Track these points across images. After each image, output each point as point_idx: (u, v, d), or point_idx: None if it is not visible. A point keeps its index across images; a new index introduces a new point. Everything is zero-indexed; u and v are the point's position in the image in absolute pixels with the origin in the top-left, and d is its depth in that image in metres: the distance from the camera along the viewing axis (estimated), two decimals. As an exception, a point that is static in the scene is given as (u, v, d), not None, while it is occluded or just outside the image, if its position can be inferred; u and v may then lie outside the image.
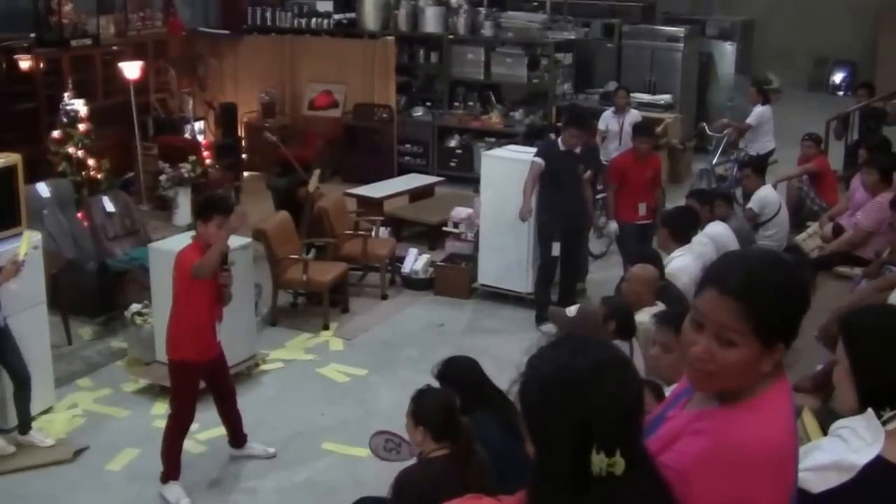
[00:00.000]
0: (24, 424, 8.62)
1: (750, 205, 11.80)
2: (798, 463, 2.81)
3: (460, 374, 6.33)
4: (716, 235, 9.68)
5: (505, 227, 11.52)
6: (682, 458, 2.73)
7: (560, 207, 11.05)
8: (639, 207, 11.80)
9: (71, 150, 13.52)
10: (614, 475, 2.41)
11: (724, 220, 10.32)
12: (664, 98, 17.70)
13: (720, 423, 2.75)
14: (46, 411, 8.94)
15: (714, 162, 15.68)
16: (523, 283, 11.76)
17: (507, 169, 11.55)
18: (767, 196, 11.78)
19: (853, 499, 3.22)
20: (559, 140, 11.17)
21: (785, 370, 2.86)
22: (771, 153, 15.27)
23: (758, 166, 12.54)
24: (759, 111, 15.37)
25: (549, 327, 10.94)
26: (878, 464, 3.25)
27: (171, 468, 7.92)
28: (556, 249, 11.19)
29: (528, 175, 10.96)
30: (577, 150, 11.10)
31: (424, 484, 5.26)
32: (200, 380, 8.15)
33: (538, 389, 2.53)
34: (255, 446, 8.53)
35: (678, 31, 18.39)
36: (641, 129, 12.44)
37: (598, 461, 2.40)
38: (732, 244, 9.62)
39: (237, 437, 8.51)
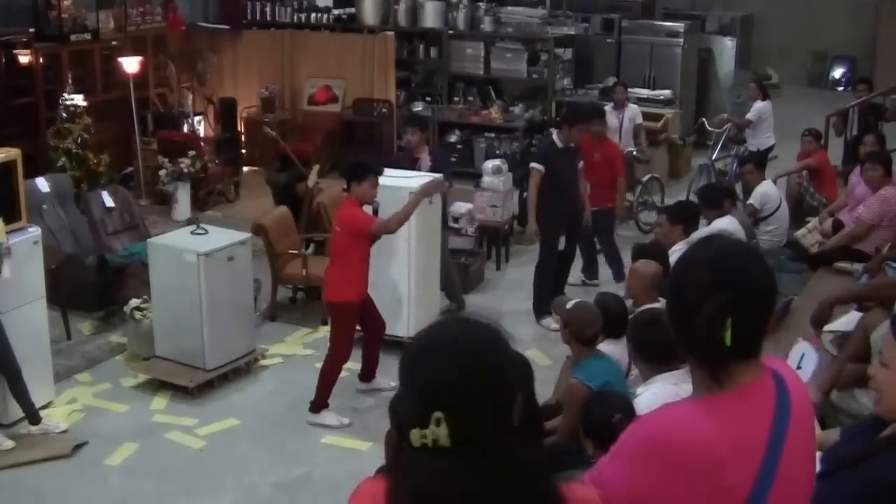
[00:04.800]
0: (32, 415, 8.66)
1: (750, 200, 11.78)
2: (765, 478, 2.72)
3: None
4: (721, 229, 9.68)
5: (382, 263, 9.90)
6: (618, 441, 2.85)
7: (563, 204, 11.07)
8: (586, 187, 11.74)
9: (70, 144, 13.50)
10: (443, 448, 2.39)
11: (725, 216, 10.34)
12: (664, 93, 17.67)
13: (656, 413, 2.85)
14: (46, 406, 8.93)
15: (714, 157, 15.66)
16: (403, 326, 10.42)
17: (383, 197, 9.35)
18: (768, 192, 11.76)
19: None
20: (556, 137, 11.17)
21: (769, 371, 2.85)
22: (771, 149, 15.26)
23: (759, 161, 12.52)
24: (760, 107, 15.35)
25: (548, 321, 10.96)
26: None
27: (324, 398, 8.97)
28: (560, 244, 11.25)
29: (531, 185, 10.99)
30: (572, 145, 11.13)
31: None
32: (357, 316, 9.06)
33: (408, 356, 2.55)
34: (381, 381, 9.52)
35: (678, 26, 18.38)
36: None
37: (417, 434, 2.39)
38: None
39: (371, 371, 9.56)
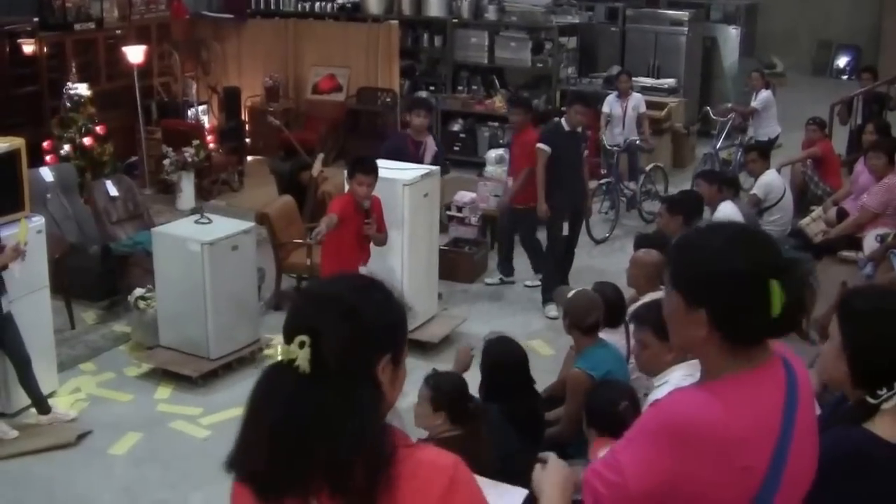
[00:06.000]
0: (40, 403, 8.68)
1: (754, 190, 11.78)
2: (779, 458, 2.76)
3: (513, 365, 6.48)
4: (725, 216, 9.68)
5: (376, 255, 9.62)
6: (634, 427, 2.87)
7: (568, 188, 11.12)
8: (509, 185, 11.66)
9: (74, 134, 13.50)
10: (295, 369, 2.46)
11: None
12: (668, 82, 17.66)
13: (673, 397, 2.85)
14: (49, 395, 8.93)
15: (718, 146, 15.67)
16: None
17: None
18: (772, 181, 11.76)
19: (850, 476, 3.22)
20: (563, 121, 11.23)
21: (779, 356, 2.86)
22: (776, 138, 15.25)
23: (763, 150, 12.51)
24: (764, 95, 15.35)
25: (549, 308, 10.98)
26: (872, 441, 3.28)
27: None
28: (565, 229, 11.28)
29: (538, 165, 11.01)
30: (579, 129, 11.19)
31: None
32: None
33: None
34: None
35: (682, 14, 18.33)
36: (513, 100, 12.09)
37: (282, 349, 2.51)
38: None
39: None
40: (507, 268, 12.16)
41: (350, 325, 2.51)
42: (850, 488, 3.21)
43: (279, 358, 2.51)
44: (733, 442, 2.70)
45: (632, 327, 6.55)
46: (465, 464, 2.60)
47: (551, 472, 2.98)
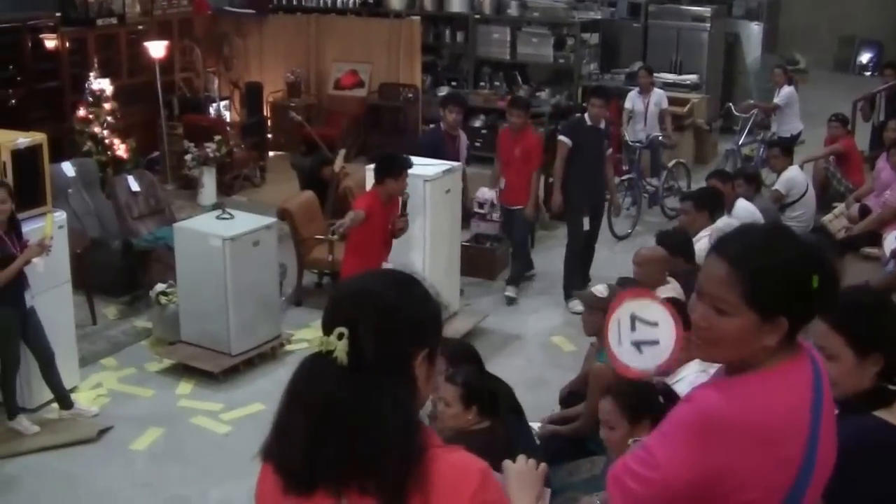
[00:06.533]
0: (63, 398, 8.72)
1: (777, 186, 11.74)
2: (812, 447, 2.75)
3: (471, 358, 6.40)
4: (743, 215, 9.63)
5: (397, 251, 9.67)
6: (667, 422, 2.82)
7: (588, 183, 11.11)
8: (506, 185, 11.54)
9: (96, 129, 13.52)
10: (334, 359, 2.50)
11: (747, 200, 10.30)
12: (690, 78, 17.61)
13: (709, 391, 2.80)
14: (71, 391, 8.93)
15: (740, 142, 15.61)
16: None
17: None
18: (794, 177, 11.71)
19: (868, 465, 3.23)
20: (585, 116, 11.22)
21: (806, 350, 2.85)
22: (798, 134, 15.19)
23: (786, 147, 12.46)
24: (787, 92, 15.30)
25: (573, 304, 10.97)
26: (887, 429, 3.31)
27: None
28: (585, 224, 11.23)
29: (557, 158, 11.00)
30: (602, 125, 11.17)
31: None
32: None
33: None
34: None
35: (704, 10, 18.25)
36: (514, 102, 11.91)
37: (319, 340, 2.54)
38: (761, 220, 9.59)
39: None
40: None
41: (389, 319, 2.54)
42: (869, 477, 3.23)
43: (317, 348, 2.53)
44: (772, 434, 2.69)
45: None
46: (492, 469, 2.61)
47: (522, 474, 2.97)
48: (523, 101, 12.13)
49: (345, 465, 2.46)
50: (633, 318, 4.86)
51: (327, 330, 2.53)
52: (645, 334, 4.83)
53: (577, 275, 11.25)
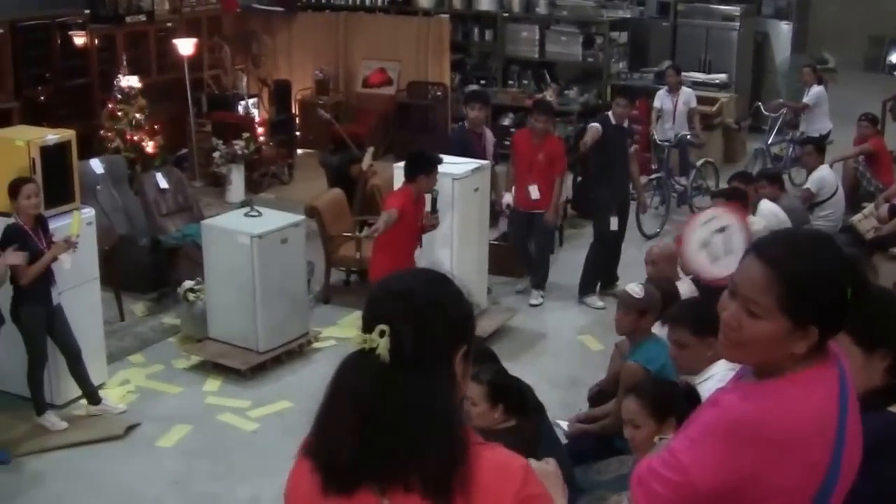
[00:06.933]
0: (91, 394, 8.76)
1: (808, 185, 11.69)
2: (839, 451, 2.72)
3: (489, 357, 6.40)
4: (766, 215, 9.62)
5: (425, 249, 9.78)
6: (693, 426, 2.80)
7: (615, 183, 11.11)
8: (529, 191, 11.12)
9: (125, 126, 13.55)
10: (378, 357, 2.50)
11: (772, 201, 10.26)
12: (719, 77, 17.54)
13: (737, 396, 2.77)
14: (99, 387, 8.95)
15: (769, 142, 15.56)
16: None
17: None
18: (825, 176, 11.66)
19: (889, 461, 3.22)
20: (610, 115, 11.21)
21: (833, 355, 2.80)
22: (828, 134, 15.11)
23: (820, 145, 12.40)
24: (816, 91, 15.23)
25: (593, 300, 10.96)
26: None
27: None
28: (613, 224, 11.18)
29: (588, 137, 10.92)
30: (626, 124, 11.25)
31: None
32: None
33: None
34: None
35: (734, 9, 18.18)
36: (539, 106, 11.72)
37: (360, 338, 2.53)
38: (785, 223, 9.57)
39: None
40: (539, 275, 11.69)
41: (429, 316, 2.55)
42: (887, 472, 3.21)
43: (359, 346, 2.53)
44: (799, 440, 2.66)
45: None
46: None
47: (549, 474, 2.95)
48: (548, 105, 12.05)
49: (390, 462, 2.47)
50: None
51: (368, 327, 2.53)
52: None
53: (598, 273, 11.25)
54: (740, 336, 2.74)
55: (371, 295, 2.67)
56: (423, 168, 9.01)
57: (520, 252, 11.47)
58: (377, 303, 2.61)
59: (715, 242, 4.77)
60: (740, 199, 8.97)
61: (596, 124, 11.08)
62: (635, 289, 7.00)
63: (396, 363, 2.48)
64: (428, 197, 9.16)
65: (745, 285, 2.72)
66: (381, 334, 2.48)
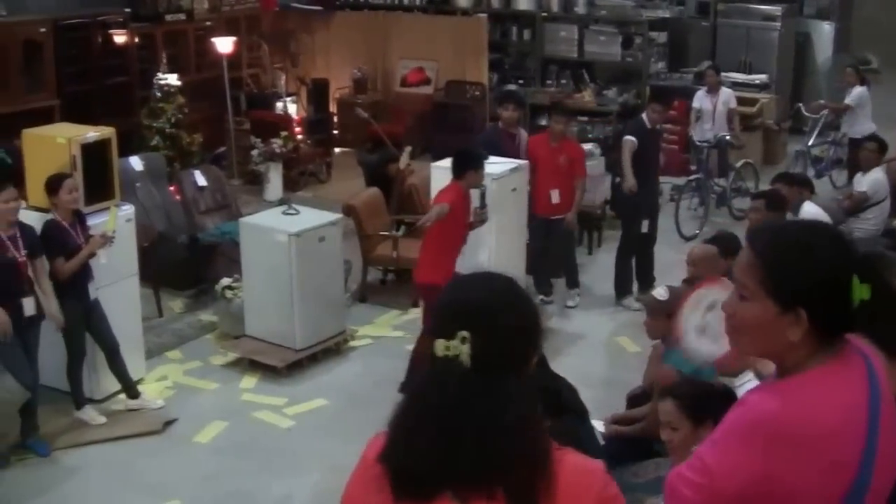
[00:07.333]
0: (130, 388, 8.84)
1: (863, 187, 11.41)
2: (871, 450, 2.68)
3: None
4: (811, 217, 9.51)
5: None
6: (719, 427, 2.80)
7: (648, 186, 11.09)
8: (550, 195, 10.99)
9: (164, 124, 13.61)
10: (459, 363, 2.47)
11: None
12: (759, 78, 17.43)
13: (760, 395, 2.78)
14: (137, 382, 9.00)
15: (810, 143, 15.44)
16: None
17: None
18: (880, 178, 11.44)
19: None
20: (644, 117, 11.17)
21: (855, 349, 2.78)
22: (871, 136, 14.96)
23: (881, 143, 12.09)
24: (858, 92, 15.07)
25: (630, 301, 10.92)
26: None
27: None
28: (644, 226, 11.13)
29: (624, 153, 10.92)
30: (658, 126, 11.23)
31: None
32: None
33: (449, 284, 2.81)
34: None
35: (774, 9, 18.05)
36: (559, 108, 11.71)
37: (442, 345, 2.49)
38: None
39: None
40: (546, 285, 11.49)
41: (509, 321, 2.54)
42: None
43: (441, 353, 2.49)
44: (824, 434, 2.63)
45: None
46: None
47: None
48: (566, 108, 12.08)
49: (475, 472, 2.44)
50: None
51: (446, 334, 2.50)
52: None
53: (630, 274, 11.30)
54: (735, 321, 2.81)
55: (446, 300, 2.65)
56: (471, 164, 9.03)
57: (539, 260, 11.35)
58: (455, 309, 2.58)
59: (710, 323, 4.71)
60: (778, 207, 8.87)
61: (631, 137, 11.01)
62: (660, 292, 6.96)
63: (478, 369, 2.46)
64: (476, 193, 9.17)
65: (737, 270, 2.82)
66: (463, 341, 2.46)
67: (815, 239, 2.76)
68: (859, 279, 2.67)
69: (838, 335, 2.74)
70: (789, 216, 9.02)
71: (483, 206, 9.30)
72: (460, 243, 9.12)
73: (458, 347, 2.46)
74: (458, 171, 9.02)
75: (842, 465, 2.65)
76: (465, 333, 2.47)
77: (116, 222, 8.50)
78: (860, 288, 2.67)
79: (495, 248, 10.03)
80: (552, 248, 11.28)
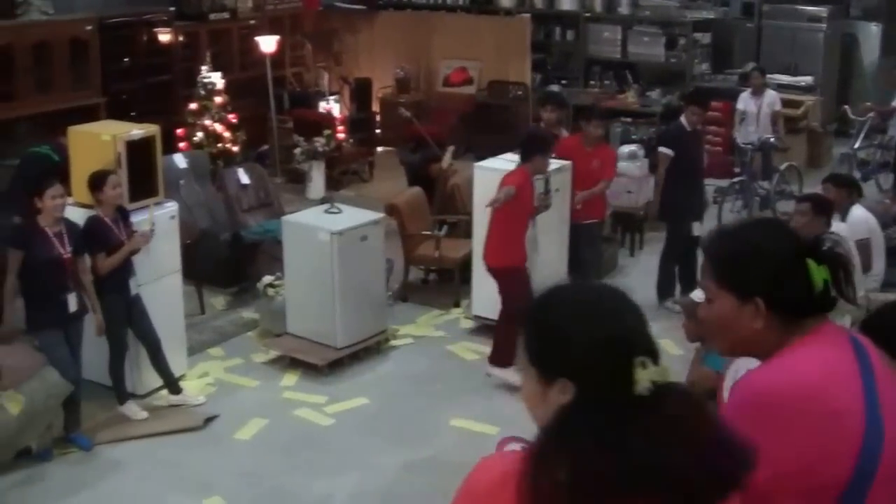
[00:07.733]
0: (172, 384, 8.89)
1: None
2: (873, 414, 2.70)
3: None
4: (856, 222, 9.43)
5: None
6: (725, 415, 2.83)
7: (694, 189, 11.05)
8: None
9: (207, 122, 13.67)
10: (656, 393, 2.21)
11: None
12: (804, 80, 17.30)
13: (743, 378, 2.92)
14: (179, 378, 9.03)
15: (856, 146, 15.31)
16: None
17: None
18: None
19: None
20: (683, 120, 11.07)
21: (830, 324, 2.88)
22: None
23: None
24: (906, 94, 14.98)
25: (672, 304, 10.86)
26: None
27: (511, 354, 8.66)
28: (696, 229, 11.03)
29: (659, 170, 10.96)
30: (699, 128, 11.16)
31: None
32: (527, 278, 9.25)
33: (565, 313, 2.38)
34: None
35: (820, 10, 17.93)
36: (596, 112, 11.56)
37: (645, 374, 2.21)
38: (875, 231, 9.40)
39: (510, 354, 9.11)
40: None
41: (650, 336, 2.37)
42: None
43: (655, 379, 2.22)
44: (812, 392, 2.70)
45: None
46: None
47: None
48: (601, 112, 12.09)
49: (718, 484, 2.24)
50: None
51: (638, 357, 2.23)
52: None
53: (673, 277, 11.20)
54: (708, 323, 2.98)
55: (630, 324, 2.35)
56: (538, 148, 9.13)
57: (572, 265, 11.26)
58: (640, 331, 2.34)
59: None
60: (824, 211, 8.76)
61: (666, 150, 10.96)
62: (697, 294, 6.92)
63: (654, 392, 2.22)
64: (540, 179, 9.25)
65: (700, 278, 3.11)
66: (644, 366, 2.21)
67: (756, 232, 2.95)
68: (815, 262, 2.80)
69: (807, 317, 2.84)
70: (837, 219, 8.92)
71: (546, 191, 9.41)
72: (525, 227, 9.22)
73: (664, 370, 2.27)
74: (527, 154, 9.11)
75: (840, 416, 2.68)
76: (643, 359, 2.22)
77: (153, 219, 8.61)
78: (818, 270, 2.80)
79: (539, 248, 9.98)
80: (583, 255, 11.16)
